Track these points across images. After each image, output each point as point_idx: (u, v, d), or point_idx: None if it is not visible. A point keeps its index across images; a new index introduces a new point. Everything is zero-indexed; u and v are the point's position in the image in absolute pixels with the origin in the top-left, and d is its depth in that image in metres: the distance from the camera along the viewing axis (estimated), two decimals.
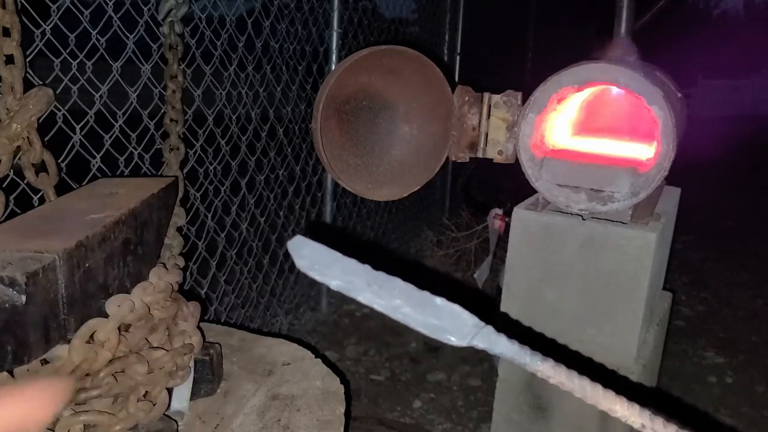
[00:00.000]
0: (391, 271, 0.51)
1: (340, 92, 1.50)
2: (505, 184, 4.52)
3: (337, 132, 1.54)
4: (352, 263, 0.50)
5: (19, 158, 1.31)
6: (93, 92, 1.78)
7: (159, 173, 1.77)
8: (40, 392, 0.39)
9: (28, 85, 1.31)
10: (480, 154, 1.66)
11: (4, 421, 0.37)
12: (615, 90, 1.68)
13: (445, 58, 4.42)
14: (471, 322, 0.50)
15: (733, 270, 4.14)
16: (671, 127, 1.41)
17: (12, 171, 1.30)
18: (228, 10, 2.38)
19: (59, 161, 1.50)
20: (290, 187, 2.97)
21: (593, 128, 1.91)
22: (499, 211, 3.20)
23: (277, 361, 1.51)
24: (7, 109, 1.27)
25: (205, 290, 2.36)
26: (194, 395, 1.31)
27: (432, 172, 1.68)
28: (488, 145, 1.64)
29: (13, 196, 1.46)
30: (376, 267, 0.51)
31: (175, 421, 1.19)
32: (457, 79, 4.36)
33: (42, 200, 1.39)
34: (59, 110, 1.60)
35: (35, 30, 1.55)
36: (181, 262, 1.59)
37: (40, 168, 1.35)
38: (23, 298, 0.91)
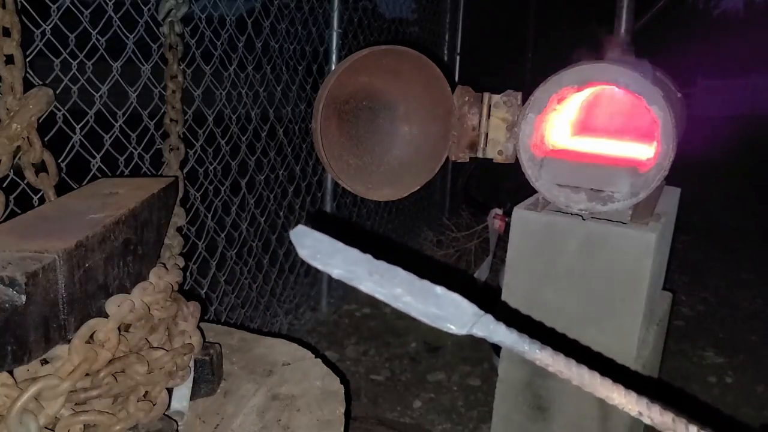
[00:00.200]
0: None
1: (340, 92, 1.50)
2: (505, 184, 4.52)
3: (337, 132, 1.54)
4: (354, 253, 0.51)
5: (19, 158, 1.31)
6: (93, 92, 1.78)
7: (159, 173, 1.77)
8: None
9: (28, 85, 1.31)
10: (480, 154, 1.66)
11: None
12: (615, 90, 1.68)
13: (445, 58, 4.42)
14: (471, 311, 0.50)
15: (733, 270, 4.14)
16: (671, 127, 1.41)
17: (12, 171, 1.30)
18: (228, 10, 2.38)
19: (59, 161, 1.50)
20: (290, 187, 2.97)
21: (593, 128, 1.91)
22: (499, 211, 3.20)
23: (277, 361, 1.51)
24: (7, 109, 1.27)
25: (205, 290, 2.36)
26: (194, 395, 1.31)
27: (432, 172, 1.68)
28: (488, 145, 1.64)
29: (13, 196, 1.46)
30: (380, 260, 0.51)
31: (175, 421, 1.19)
32: (457, 79, 4.36)
33: (42, 200, 1.39)
34: (59, 110, 1.60)
35: (35, 30, 1.55)
36: (181, 262, 1.59)
37: (40, 168, 1.35)
38: (23, 298, 0.91)
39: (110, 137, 1.84)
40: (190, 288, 2.24)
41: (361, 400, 2.51)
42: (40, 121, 1.32)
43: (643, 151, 1.63)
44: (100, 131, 1.80)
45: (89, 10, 1.75)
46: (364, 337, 3.03)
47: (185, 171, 1.89)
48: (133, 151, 1.94)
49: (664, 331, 2.00)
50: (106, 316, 1.09)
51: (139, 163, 1.97)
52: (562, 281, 1.60)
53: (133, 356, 1.10)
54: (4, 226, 1.12)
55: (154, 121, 1.97)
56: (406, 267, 0.51)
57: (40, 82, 1.40)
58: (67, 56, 1.69)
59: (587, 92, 1.67)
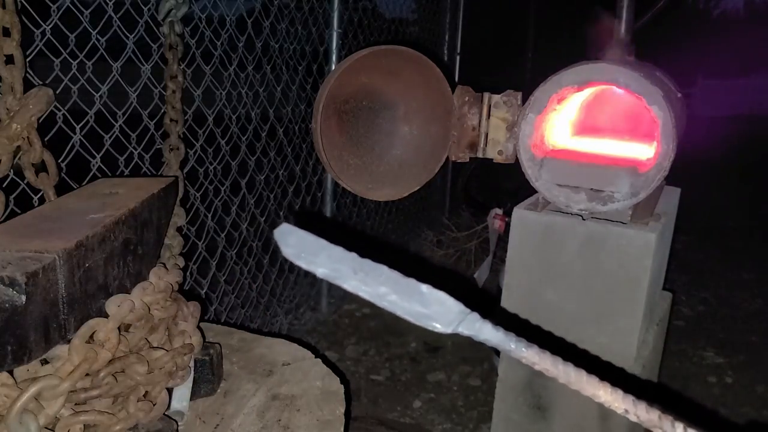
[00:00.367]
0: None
1: (340, 92, 1.50)
2: (505, 184, 4.52)
3: (337, 132, 1.54)
4: (338, 251, 0.50)
5: (19, 158, 1.31)
6: (93, 92, 1.78)
7: (159, 173, 1.77)
8: None
9: (28, 85, 1.31)
10: (480, 154, 1.66)
11: None
12: (615, 90, 1.68)
13: (445, 58, 4.42)
14: (456, 309, 0.50)
15: (733, 270, 4.14)
16: (671, 127, 1.41)
17: (12, 171, 1.30)
18: (228, 10, 2.38)
19: (59, 161, 1.50)
20: (290, 187, 2.97)
21: (593, 128, 1.91)
22: (499, 211, 3.20)
23: (277, 361, 1.51)
24: (7, 109, 1.27)
25: (205, 290, 2.36)
26: (194, 395, 1.31)
27: (432, 172, 1.68)
28: (488, 145, 1.64)
29: (13, 196, 1.46)
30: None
31: (175, 421, 1.19)
32: (457, 79, 4.36)
33: (42, 200, 1.39)
34: (59, 110, 1.60)
35: (35, 30, 1.55)
36: (181, 262, 1.59)
37: (40, 168, 1.35)
38: (23, 298, 0.91)
39: (110, 137, 1.84)
40: (190, 288, 2.24)
41: (361, 400, 2.51)
42: (40, 121, 1.32)
43: (643, 151, 1.63)
44: (100, 131, 1.80)
45: (89, 10, 1.75)
46: (364, 337, 3.03)
47: (185, 171, 1.89)
48: (133, 151, 1.94)
49: (664, 331, 2.00)
50: (106, 316, 1.09)
51: (139, 163, 1.97)
52: (562, 281, 1.60)
53: (133, 356, 1.10)
54: (4, 226, 1.12)
55: (154, 121, 1.97)
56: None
57: (40, 82, 1.40)
58: (67, 56, 1.69)
59: (587, 92, 1.67)
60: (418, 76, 1.57)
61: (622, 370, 1.57)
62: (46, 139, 1.40)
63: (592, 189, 1.52)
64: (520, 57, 6.44)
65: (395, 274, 0.50)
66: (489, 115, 1.62)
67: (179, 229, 1.64)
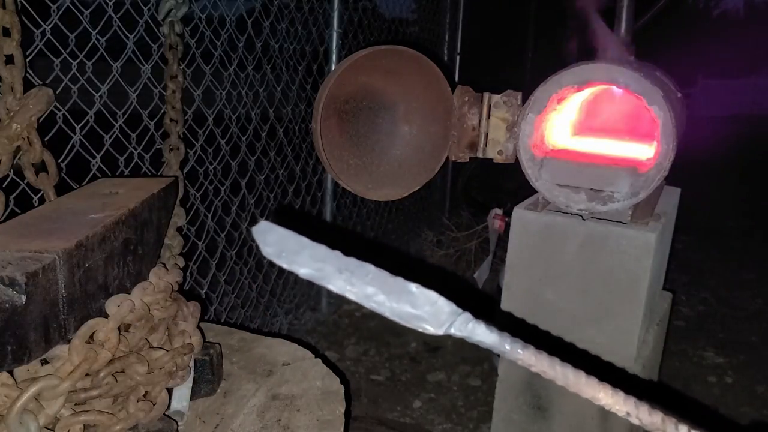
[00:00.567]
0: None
1: (340, 92, 1.50)
2: (505, 184, 4.52)
3: (337, 132, 1.54)
4: (321, 250, 0.47)
5: (19, 158, 1.31)
6: (93, 92, 1.78)
7: (159, 173, 1.77)
8: None
9: (28, 85, 1.31)
10: (480, 154, 1.66)
11: None
12: (615, 90, 1.68)
13: (445, 58, 4.42)
14: (447, 310, 0.47)
15: (733, 270, 4.14)
16: (671, 127, 1.41)
17: (12, 171, 1.30)
18: (228, 10, 2.38)
19: (59, 161, 1.50)
20: (290, 187, 2.97)
21: (593, 128, 1.91)
22: (499, 211, 3.20)
23: (277, 361, 1.51)
24: (7, 109, 1.27)
25: (205, 290, 2.36)
26: (194, 395, 1.31)
27: (432, 172, 1.68)
28: (488, 145, 1.64)
29: (13, 196, 1.46)
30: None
31: (175, 421, 1.19)
32: (457, 79, 4.36)
33: (42, 200, 1.39)
34: (59, 110, 1.60)
35: (35, 30, 1.55)
36: (181, 262, 1.59)
37: (40, 168, 1.35)
38: (23, 298, 0.91)
39: (110, 137, 1.84)
40: (190, 288, 2.24)
41: (361, 400, 2.51)
42: (40, 121, 1.32)
43: (643, 151, 1.63)
44: (100, 131, 1.80)
45: (89, 10, 1.75)
46: (364, 337, 3.03)
47: (185, 171, 1.89)
48: (133, 151, 1.94)
49: (664, 331, 2.00)
50: (106, 316, 1.09)
51: (139, 163, 1.97)
52: (562, 281, 1.60)
53: (133, 356, 1.10)
54: (4, 226, 1.12)
55: (154, 121, 1.97)
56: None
57: (40, 82, 1.40)
58: (67, 56, 1.69)
59: (587, 92, 1.67)
60: (418, 76, 1.57)
61: (622, 371, 1.57)
62: (46, 139, 1.40)
63: (592, 189, 1.52)
64: (520, 57, 6.44)
65: (382, 273, 0.47)
66: (489, 115, 1.62)
67: (179, 229, 1.64)
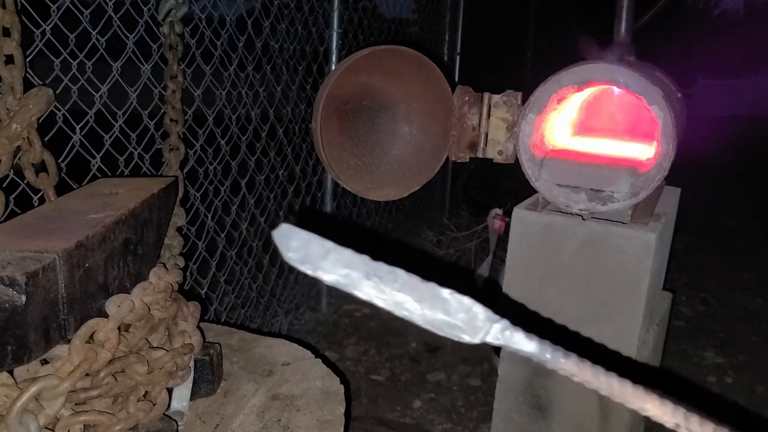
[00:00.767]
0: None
1: (340, 92, 1.50)
2: (505, 184, 4.52)
3: (337, 132, 1.54)
4: (347, 254, 0.44)
5: (19, 158, 1.31)
6: (93, 92, 1.78)
7: (159, 173, 1.77)
8: None
9: (28, 85, 1.31)
10: (480, 154, 1.66)
11: None
12: (615, 90, 1.68)
13: (445, 58, 4.42)
14: (483, 317, 0.44)
15: (733, 270, 4.14)
16: (671, 127, 1.41)
17: (12, 171, 1.30)
18: (228, 10, 2.38)
19: (59, 161, 1.50)
20: (290, 187, 2.97)
21: (593, 128, 1.91)
22: (499, 211, 3.20)
23: (277, 361, 1.51)
24: (7, 109, 1.27)
25: (205, 290, 2.36)
26: (194, 395, 1.31)
27: (432, 172, 1.68)
28: (488, 145, 1.64)
29: (13, 196, 1.46)
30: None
31: (175, 421, 1.19)
32: (457, 79, 4.36)
33: (42, 200, 1.39)
34: (59, 110, 1.60)
35: (35, 30, 1.55)
36: (181, 262, 1.59)
37: (40, 168, 1.35)
38: (23, 298, 0.91)
39: (110, 137, 1.84)
40: (190, 288, 2.24)
41: (361, 400, 2.51)
42: (40, 121, 1.32)
43: (643, 151, 1.63)
44: (100, 131, 1.80)
45: (89, 10, 1.75)
46: (364, 337, 3.03)
47: (185, 171, 1.89)
48: (133, 151, 1.94)
49: (664, 331, 2.00)
50: (106, 316, 1.09)
51: (139, 163, 1.97)
52: (562, 281, 1.60)
53: (133, 356, 1.10)
54: (4, 226, 1.12)
55: (154, 121, 1.96)
56: (409, 267, 0.46)
57: (40, 82, 1.40)
58: (67, 56, 1.69)
59: (587, 92, 1.67)
60: (418, 76, 1.57)
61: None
62: (46, 139, 1.40)
63: (592, 189, 1.52)
64: (520, 57, 6.44)
65: (413, 279, 0.44)
66: (489, 115, 1.62)
67: (179, 229, 1.64)
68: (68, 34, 1.67)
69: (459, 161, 1.69)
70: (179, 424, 1.21)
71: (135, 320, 1.14)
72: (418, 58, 1.52)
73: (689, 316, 3.44)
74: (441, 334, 0.45)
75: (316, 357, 1.54)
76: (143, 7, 1.90)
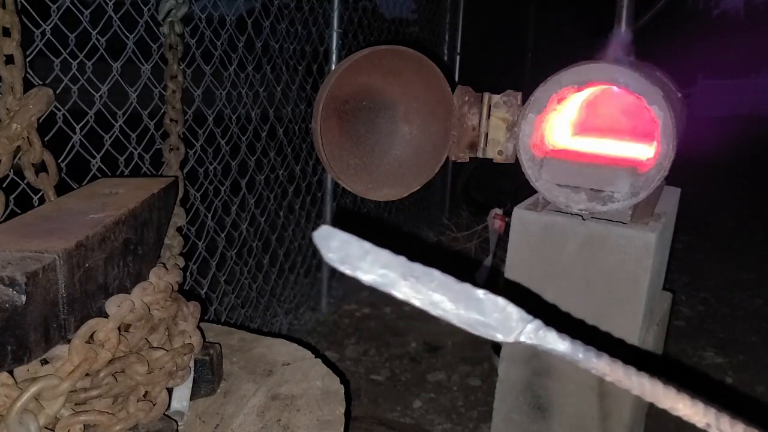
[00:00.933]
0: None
1: (340, 92, 1.50)
2: (505, 184, 4.52)
3: (337, 132, 1.54)
4: (385, 255, 0.45)
5: (19, 158, 1.31)
6: (93, 92, 1.78)
7: (159, 173, 1.77)
8: None
9: (28, 85, 1.31)
10: (480, 154, 1.66)
11: None
12: (615, 90, 1.68)
13: (445, 58, 4.42)
14: (516, 317, 0.46)
15: (733, 270, 4.14)
16: (671, 127, 1.41)
17: (12, 171, 1.30)
18: (228, 10, 2.38)
19: (59, 161, 1.50)
20: (290, 187, 2.97)
21: (593, 128, 1.91)
22: (499, 211, 3.20)
23: (277, 361, 1.51)
24: (7, 109, 1.27)
25: (205, 290, 2.36)
26: (194, 395, 1.31)
27: (432, 172, 1.68)
28: (488, 145, 1.64)
29: (13, 196, 1.46)
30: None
31: (175, 421, 1.19)
32: (457, 79, 4.36)
33: (42, 200, 1.39)
34: (59, 110, 1.60)
35: (35, 30, 1.55)
36: (181, 262, 1.59)
37: (40, 168, 1.35)
38: (23, 298, 0.91)
39: (110, 137, 1.84)
40: (190, 288, 2.24)
41: (361, 400, 2.51)
42: (40, 121, 1.32)
43: (643, 151, 1.63)
44: (100, 131, 1.80)
45: (89, 10, 1.75)
46: (364, 337, 3.03)
47: (185, 171, 1.89)
48: (133, 151, 1.94)
49: (664, 331, 2.00)
50: (106, 316, 1.09)
51: (139, 163, 1.97)
52: (562, 281, 1.60)
53: (133, 356, 1.10)
54: (4, 226, 1.12)
55: (154, 121, 1.96)
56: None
57: (40, 82, 1.40)
58: (67, 56, 1.69)
59: (587, 92, 1.67)
60: (418, 76, 1.57)
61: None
62: (46, 139, 1.40)
63: (592, 189, 1.52)
64: (520, 57, 6.44)
65: (448, 279, 0.45)
66: (489, 115, 1.62)
67: (179, 229, 1.64)
68: (68, 34, 1.67)
69: (459, 161, 1.69)
70: (179, 424, 1.21)
71: (135, 320, 1.14)
72: (418, 58, 1.52)
73: (689, 316, 3.44)
74: (475, 333, 0.46)
75: (316, 357, 1.54)
76: (143, 7, 1.90)
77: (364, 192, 1.60)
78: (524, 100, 1.57)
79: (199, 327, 1.33)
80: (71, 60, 1.70)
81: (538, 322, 0.46)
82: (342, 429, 1.29)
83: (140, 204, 1.25)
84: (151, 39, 1.93)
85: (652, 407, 1.99)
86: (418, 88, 1.60)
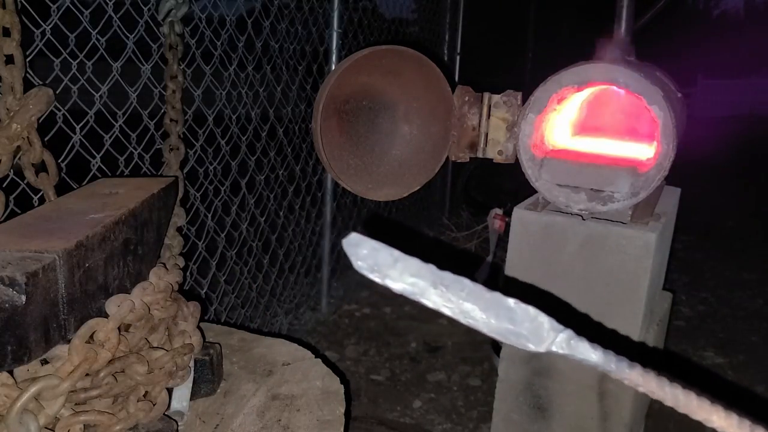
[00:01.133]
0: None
1: (340, 92, 1.50)
2: (505, 184, 4.52)
3: (337, 132, 1.54)
4: (414, 263, 0.45)
5: (19, 158, 1.31)
6: (93, 92, 1.78)
7: (159, 173, 1.77)
8: None
9: (28, 85, 1.31)
10: (480, 154, 1.66)
11: None
12: (615, 90, 1.68)
13: (445, 58, 4.42)
14: (548, 326, 0.45)
15: (733, 270, 4.14)
16: (671, 127, 1.41)
17: (12, 171, 1.30)
18: (228, 10, 2.38)
19: (59, 161, 1.50)
20: (290, 187, 2.97)
21: (593, 128, 1.91)
22: (499, 211, 3.20)
23: (277, 361, 1.51)
24: (7, 109, 1.27)
25: (205, 290, 2.36)
26: (194, 395, 1.31)
27: (432, 172, 1.68)
28: (488, 145, 1.64)
29: (13, 196, 1.46)
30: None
31: (175, 421, 1.19)
32: (457, 79, 4.36)
33: (42, 200, 1.39)
34: (59, 110, 1.60)
35: (35, 30, 1.55)
36: (181, 262, 1.59)
37: (40, 168, 1.35)
38: (23, 298, 0.91)
39: (110, 137, 1.84)
40: (190, 288, 2.24)
41: (361, 400, 2.51)
42: (40, 121, 1.32)
43: (643, 151, 1.63)
44: (100, 131, 1.80)
45: (89, 10, 1.75)
46: (364, 337, 3.03)
47: (185, 171, 1.89)
48: (133, 151, 1.94)
49: (664, 331, 2.00)
50: (106, 316, 1.09)
51: (139, 163, 1.97)
52: (562, 281, 1.60)
53: (133, 356, 1.10)
54: (4, 226, 1.12)
55: (154, 121, 1.96)
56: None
57: (40, 82, 1.40)
58: (67, 56, 1.69)
59: (587, 92, 1.67)
60: (418, 76, 1.57)
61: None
62: (46, 139, 1.40)
63: (592, 189, 1.52)
64: (520, 57, 6.45)
65: (478, 288, 0.45)
66: (489, 115, 1.62)
67: (179, 229, 1.64)
68: (68, 34, 1.67)
69: (459, 161, 1.69)
70: (179, 424, 1.21)
71: (135, 320, 1.14)
72: (418, 58, 1.52)
73: (689, 316, 3.44)
74: (506, 342, 0.45)
75: (316, 357, 1.54)
76: (143, 7, 1.90)
77: (364, 192, 1.60)
78: (524, 100, 1.57)
79: (199, 327, 1.33)
80: (71, 60, 1.70)
81: (569, 332, 0.46)
82: (342, 429, 1.29)
83: (140, 204, 1.25)
84: (151, 39, 1.93)
85: (651, 407, 1.99)
86: (418, 88, 1.60)
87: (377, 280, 0.45)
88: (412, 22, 4.34)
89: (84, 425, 1.01)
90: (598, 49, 1.69)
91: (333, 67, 2.89)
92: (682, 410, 0.46)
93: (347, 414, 1.34)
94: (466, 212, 4.40)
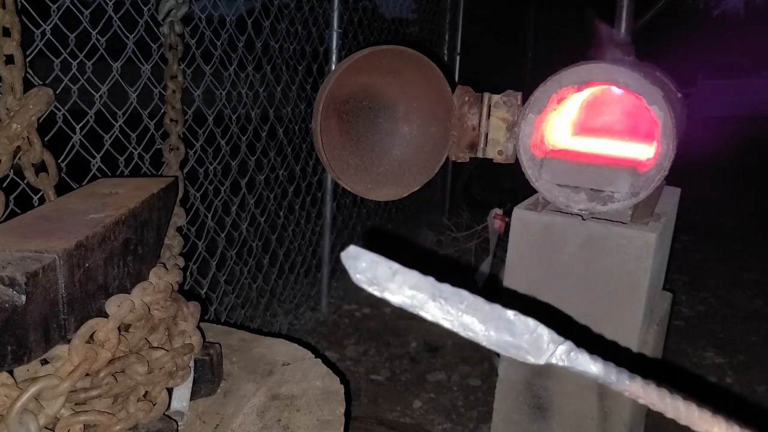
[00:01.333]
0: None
1: (340, 92, 1.50)
2: (505, 184, 4.52)
3: (337, 132, 1.54)
4: (413, 275, 0.45)
5: (19, 158, 1.31)
6: (93, 92, 1.78)
7: (159, 173, 1.77)
8: None
9: (28, 85, 1.31)
10: (480, 154, 1.66)
11: None
12: (615, 90, 1.68)
13: (445, 58, 4.42)
14: (547, 338, 0.45)
15: (733, 270, 4.14)
16: (671, 127, 1.41)
17: (12, 171, 1.30)
18: (228, 10, 2.38)
19: (59, 161, 1.50)
20: (290, 187, 2.97)
21: (593, 128, 1.91)
22: (499, 211, 3.20)
23: (277, 361, 1.51)
24: (7, 109, 1.27)
25: (205, 290, 2.36)
26: (194, 395, 1.31)
27: (432, 172, 1.68)
28: (488, 145, 1.64)
29: (13, 196, 1.46)
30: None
31: (175, 421, 1.19)
32: (457, 79, 4.36)
33: (42, 200, 1.39)
34: (59, 110, 1.60)
35: (35, 30, 1.55)
36: (181, 262, 1.59)
37: (40, 168, 1.35)
38: (23, 298, 0.91)
39: (110, 137, 1.84)
40: (190, 288, 2.24)
41: (361, 400, 2.51)
42: (40, 121, 1.32)
43: (643, 151, 1.63)
44: (100, 131, 1.80)
45: (89, 10, 1.75)
46: (364, 337, 3.03)
47: (185, 171, 1.89)
48: (133, 151, 1.94)
49: (664, 331, 2.00)
50: (106, 316, 1.09)
51: (139, 163, 1.97)
52: (562, 281, 1.60)
53: (133, 356, 1.10)
54: (4, 226, 1.12)
55: (154, 121, 1.97)
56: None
57: (40, 82, 1.40)
58: (67, 56, 1.69)
59: (587, 92, 1.67)
60: (418, 76, 1.57)
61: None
62: (46, 139, 1.40)
63: (592, 189, 1.52)
64: (520, 57, 6.44)
65: (477, 300, 0.45)
66: (489, 115, 1.62)
67: (179, 229, 1.64)
68: (68, 34, 1.67)
69: (459, 161, 1.69)
70: (179, 424, 1.21)
71: (135, 320, 1.14)
72: (418, 58, 1.52)
73: (689, 316, 3.44)
74: (506, 354, 0.45)
75: (316, 357, 1.54)
76: (143, 7, 1.90)
77: (364, 192, 1.60)
78: (524, 100, 1.57)
79: (199, 327, 1.33)
80: (71, 60, 1.70)
81: (569, 344, 0.46)
82: (342, 429, 1.29)
83: (140, 204, 1.25)
84: (151, 39, 1.93)
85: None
86: (418, 88, 1.60)
87: (376, 293, 0.45)
88: (412, 22, 4.34)
89: (84, 425, 1.01)
90: (598, 49, 1.69)
91: (333, 67, 2.89)
92: (683, 422, 0.46)
93: (347, 414, 1.34)
94: (466, 212, 4.39)
